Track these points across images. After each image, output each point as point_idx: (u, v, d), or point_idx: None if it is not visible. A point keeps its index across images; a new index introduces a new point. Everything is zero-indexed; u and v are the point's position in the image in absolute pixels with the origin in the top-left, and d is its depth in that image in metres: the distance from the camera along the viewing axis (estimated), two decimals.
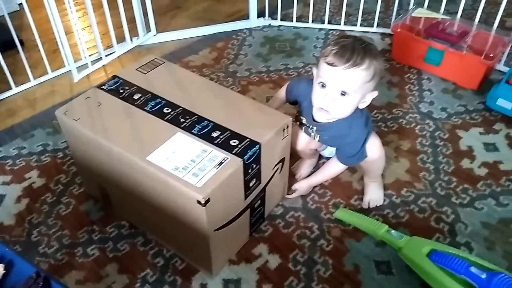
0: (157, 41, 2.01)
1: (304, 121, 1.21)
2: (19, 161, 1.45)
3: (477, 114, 1.59)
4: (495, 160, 1.42)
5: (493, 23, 1.73)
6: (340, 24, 2.04)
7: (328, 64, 1.02)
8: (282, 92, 1.30)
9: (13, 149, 1.49)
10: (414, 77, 1.76)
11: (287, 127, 1.14)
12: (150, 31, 2.00)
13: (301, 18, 2.09)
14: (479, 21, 1.76)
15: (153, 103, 1.16)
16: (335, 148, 1.23)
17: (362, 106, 1.11)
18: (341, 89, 1.04)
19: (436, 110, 1.61)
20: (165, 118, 1.12)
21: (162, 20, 2.11)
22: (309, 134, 1.23)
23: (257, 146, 1.05)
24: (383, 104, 1.64)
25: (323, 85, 1.06)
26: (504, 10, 1.68)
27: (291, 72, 1.81)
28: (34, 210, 1.30)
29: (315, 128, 1.19)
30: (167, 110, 1.14)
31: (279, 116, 1.14)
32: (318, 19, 2.08)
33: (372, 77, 1.04)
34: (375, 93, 1.10)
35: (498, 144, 1.48)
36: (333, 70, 1.02)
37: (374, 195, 1.30)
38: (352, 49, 1.01)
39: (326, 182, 1.35)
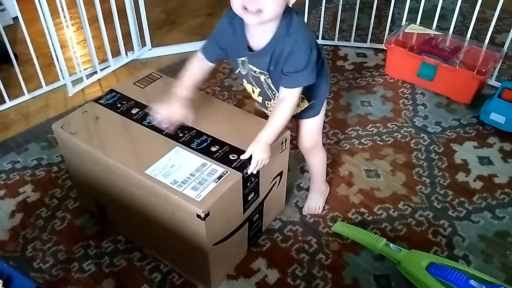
0: (152, 55, 2.01)
1: (243, 76, 1.08)
2: (13, 175, 1.43)
3: (471, 128, 1.61)
4: (490, 174, 1.44)
5: (484, 39, 1.77)
6: (334, 39, 2.06)
7: None
8: (196, 62, 1.10)
9: (7, 163, 1.47)
10: (408, 92, 1.79)
11: (285, 140, 1.14)
12: (145, 45, 2.00)
13: None
14: (470, 37, 1.80)
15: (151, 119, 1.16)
16: None
17: (291, 1, 0.95)
18: None
19: (431, 124, 1.63)
20: (164, 133, 1.11)
21: (157, 34, 2.12)
22: (254, 90, 1.11)
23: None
24: (377, 118, 1.65)
25: None
26: (494, 27, 1.71)
27: None
28: (29, 225, 1.28)
29: (256, 66, 1.03)
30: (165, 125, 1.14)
31: None
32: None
33: None
34: None
35: (492, 158, 1.49)
36: None
37: (312, 203, 1.31)
38: None
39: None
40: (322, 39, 2.07)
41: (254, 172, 1.03)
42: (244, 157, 1.03)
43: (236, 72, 1.10)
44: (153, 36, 2.03)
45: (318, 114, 1.17)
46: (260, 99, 1.14)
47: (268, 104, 1.14)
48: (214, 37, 1.07)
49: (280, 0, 0.90)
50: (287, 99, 1.01)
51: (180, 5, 2.43)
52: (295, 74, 0.98)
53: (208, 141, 1.09)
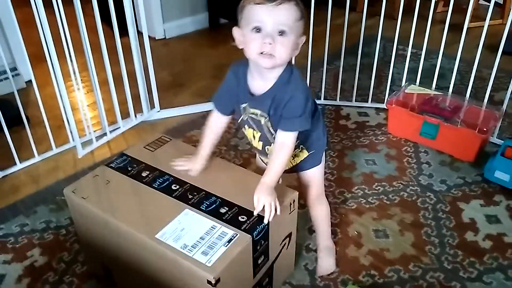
0: (160, 117, 2.07)
1: (245, 122, 1.15)
2: (21, 238, 1.43)
3: (476, 186, 1.62)
4: (499, 232, 1.43)
5: (483, 97, 1.82)
6: (336, 99, 2.12)
7: (258, 4, 0.96)
8: (212, 118, 1.20)
9: (16, 226, 1.47)
10: (411, 150, 1.81)
11: (294, 201, 1.15)
12: (154, 107, 2.06)
13: None
14: (469, 96, 1.85)
15: (161, 180, 1.18)
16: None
17: (295, 53, 1.04)
18: (279, 28, 0.97)
19: (436, 182, 1.64)
20: (173, 195, 1.13)
21: (165, 96, 2.18)
22: (254, 135, 1.17)
23: (264, 224, 1.05)
24: (383, 177, 1.67)
25: (258, 29, 0.97)
26: (491, 85, 1.77)
27: None
28: None
29: (257, 109, 1.09)
30: (175, 186, 1.15)
31: (285, 191, 1.15)
32: (314, 95, 2.17)
33: (302, 15, 1.00)
34: (304, 38, 1.05)
35: (500, 216, 1.49)
36: (266, 9, 0.96)
37: (324, 263, 1.31)
38: None
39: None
40: (324, 99, 2.13)
41: (271, 219, 1.05)
42: (257, 211, 1.06)
43: (239, 120, 1.16)
44: (162, 98, 2.10)
45: (320, 163, 1.23)
46: (260, 145, 1.19)
47: (267, 149, 1.18)
48: (222, 90, 1.16)
49: (290, 50, 1.01)
50: (285, 142, 1.08)
51: (187, 68, 2.52)
52: (293, 119, 1.06)
53: (217, 203, 1.10)
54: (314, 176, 1.25)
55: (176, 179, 1.17)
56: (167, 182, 1.17)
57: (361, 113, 2.06)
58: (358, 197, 1.58)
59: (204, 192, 1.13)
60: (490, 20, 1.68)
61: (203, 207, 1.09)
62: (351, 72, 2.12)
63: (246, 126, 1.17)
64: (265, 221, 1.05)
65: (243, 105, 1.12)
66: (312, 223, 1.34)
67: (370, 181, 1.65)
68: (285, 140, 1.08)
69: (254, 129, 1.16)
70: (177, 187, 1.15)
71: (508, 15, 1.65)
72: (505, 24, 1.65)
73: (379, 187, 1.62)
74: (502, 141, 1.69)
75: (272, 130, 1.12)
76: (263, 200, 1.04)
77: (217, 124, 1.20)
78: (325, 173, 1.68)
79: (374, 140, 1.88)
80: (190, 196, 1.12)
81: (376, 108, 2.08)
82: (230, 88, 1.13)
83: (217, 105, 1.18)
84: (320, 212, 1.29)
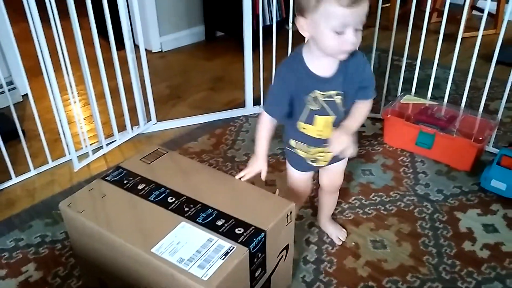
0: (157, 129, 2.07)
1: (314, 112, 1.12)
2: (16, 253, 1.41)
3: (473, 195, 1.62)
4: (496, 242, 1.43)
5: (478, 106, 1.83)
6: None
7: (343, 7, 0.94)
8: (265, 125, 1.18)
9: (10, 241, 1.46)
10: (407, 160, 1.82)
11: (291, 212, 1.15)
12: (150, 120, 2.06)
13: None
14: (464, 105, 1.86)
15: (157, 192, 1.17)
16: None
17: None
18: (358, 26, 0.99)
19: (432, 192, 1.64)
20: (170, 208, 1.12)
21: (162, 108, 2.19)
22: (326, 122, 1.14)
23: (263, 234, 1.05)
24: (380, 187, 1.67)
25: (339, 28, 0.97)
26: (486, 94, 1.78)
27: None
28: None
29: (332, 90, 1.09)
30: (171, 199, 1.15)
31: (282, 202, 1.15)
32: None
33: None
34: None
35: (497, 225, 1.49)
36: (351, 11, 0.95)
37: (336, 230, 1.46)
38: None
39: (330, 269, 1.34)
40: None
41: (337, 150, 1.08)
42: (335, 149, 1.08)
43: (304, 116, 1.14)
44: (158, 110, 2.10)
45: None
46: (328, 132, 1.14)
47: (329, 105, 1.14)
48: (275, 95, 1.14)
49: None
50: (367, 104, 1.16)
51: (184, 80, 2.53)
52: (370, 86, 1.15)
53: (214, 215, 1.10)
54: (344, 165, 1.33)
55: (172, 191, 1.17)
56: (164, 194, 1.16)
57: None
58: (355, 207, 1.58)
59: (200, 205, 1.13)
60: (483, 30, 1.70)
61: (199, 219, 1.09)
62: None
63: (316, 116, 1.13)
64: (350, 156, 1.11)
65: (312, 95, 1.09)
66: (321, 206, 1.46)
67: (367, 192, 1.65)
68: (366, 104, 1.16)
69: (328, 115, 1.13)
70: (173, 199, 1.15)
71: (501, 25, 1.67)
72: (498, 34, 1.67)
73: (376, 197, 1.62)
74: (498, 150, 1.69)
75: (343, 109, 1.14)
76: (343, 139, 1.08)
77: (270, 128, 1.19)
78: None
79: (370, 150, 1.88)
80: (186, 209, 1.12)
81: (372, 119, 2.08)
82: (288, 86, 1.10)
83: (271, 111, 1.15)
84: (336, 197, 1.43)
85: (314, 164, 1.25)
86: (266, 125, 1.18)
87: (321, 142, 1.18)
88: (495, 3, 2.91)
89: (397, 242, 1.43)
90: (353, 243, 1.43)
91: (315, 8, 0.97)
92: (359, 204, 1.59)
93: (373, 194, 1.64)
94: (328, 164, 1.26)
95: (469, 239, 1.44)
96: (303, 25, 1.02)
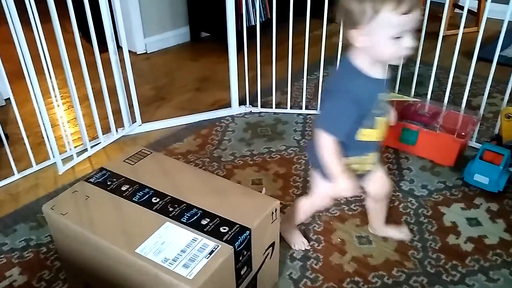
0: (142, 130, 2.06)
1: (375, 113, 1.11)
2: (0, 258, 1.40)
3: (457, 190, 1.64)
4: (480, 235, 1.45)
5: (460, 103, 1.86)
6: (316, 109, 2.14)
7: (403, 14, 0.96)
8: (334, 146, 1.11)
9: None
10: (392, 157, 1.83)
11: (276, 210, 1.15)
12: (135, 121, 2.05)
13: (280, 104, 2.19)
14: (447, 102, 1.88)
15: (141, 193, 1.17)
16: None
17: None
18: (413, 29, 1.01)
19: (417, 187, 1.66)
20: (154, 208, 1.12)
21: (147, 110, 2.18)
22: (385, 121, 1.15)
23: (248, 232, 1.05)
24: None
25: (398, 35, 0.99)
26: (469, 91, 1.80)
27: (274, 155, 1.86)
28: None
29: (388, 88, 1.14)
30: (155, 199, 1.15)
31: (267, 200, 1.16)
32: (296, 105, 2.19)
33: None
34: None
35: (480, 219, 1.51)
36: (410, 17, 0.97)
37: (399, 230, 1.45)
38: None
39: (317, 265, 1.34)
40: (306, 109, 2.15)
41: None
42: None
43: (367, 123, 1.11)
44: (143, 112, 2.09)
45: None
46: (383, 133, 1.17)
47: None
48: (347, 116, 1.09)
49: None
50: None
51: (169, 81, 2.52)
52: None
53: (198, 214, 1.10)
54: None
55: (156, 192, 1.17)
56: (147, 195, 1.16)
57: None
58: (341, 204, 1.58)
59: (185, 204, 1.13)
60: (465, 27, 1.73)
61: (184, 219, 1.09)
62: None
63: (378, 118, 1.13)
64: None
65: (378, 100, 1.11)
66: (374, 214, 1.43)
67: None
68: None
69: (385, 115, 1.15)
70: (158, 200, 1.14)
71: (482, 23, 1.69)
72: (479, 31, 1.69)
73: (361, 194, 1.63)
74: (480, 145, 1.72)
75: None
76: None
77: (337, 148, 1.11)
78: (308, 181, 1.70)
79: None
80: (170, 209, 1.12)
81: None
82: (358, 104, 1.07)
83: (339, 134, 1.10)
84: (386, 203, 1.40)
85: (361, 173, 1.23)
86: (334, 148, 1.11)
87: (375, 145, 1.19)
88: (476, 1, 2.95)
89: (383, 237, 1.44)
90: (339, 240, 1.44)
91: (371, 18, 0.98)
92: (345, 201, 1.60)
93: (359, 190, 1.64)
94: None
95: (453, 233, 1.46)
96: (357, 37, 1.03)
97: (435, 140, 1.75)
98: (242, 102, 2.18)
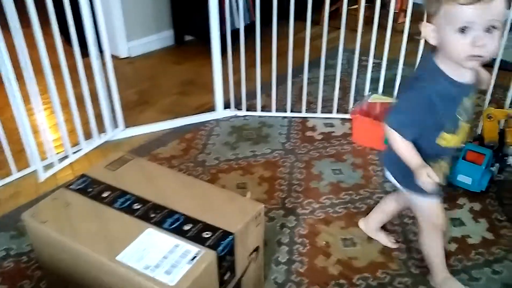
0: (125, 135, 2.04)
1: (456, 119, 1.04)
2: None
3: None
4: (463, 235, 1.46)
5: None
6: (301, 111, 2.14)
7: (468, 2, 0.89)
8: (406, 143, 1.04)
9: None
10: (376, 158, 1.84)
11: (260, 214, 1.15)
12: (118, 126, 2.03)
13: (265, 107, 2.19)
14: None
15: (122, 199, 1.15)
16: None
17: None
18: (490, 24, 0.90)
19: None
20: (135, 214, 1.10)
21: (130, 115, 2.15)
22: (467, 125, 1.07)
23: (231, 236, 1.04)
24: (349, 186, 1.69)
25: (464, 30, 0.91)
26: None
27: (259, 158, 1.85)
28: None
29: (473, 94, 1.04)
30: (137, 206, 1.13)
31: (251, 204, 1.15)
32: (281, 108, 2.18)
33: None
34: None
35: (463, 219, 1.52)
36: (478, 7, 0.88)
37: (388, 237, 1.43)
38: None
39: (302, 269, 1.34)
40: (291, 111, 2.15)
41: None
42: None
43: (449, 128, 1.06)
44: (126, 116, 2.07)
45: None
46: (463, 139, 1.11)
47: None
48: (417, 116, 1.02)
49: (498, 43, 0.94)
50: None
51: (153, 85, 2.50)
52: None
53: (181, 220, 1.09)
54: None
55: (138, 198, 1.15)
56: (129, 201, 1.15)
57: (327, 124, 2.09)
58: (326, 206, 1.59)
59: (167, 210, 1.12)
60: None
61: (166, 225, 1.07)
62: (316, 84, 2.15)
63: (462, 124, 1.07)
64: None
65: (462, 105, 1.03)
66: (384, 214, 1.39)
67: (337, 191, 1.66)
68: None
69: (468, 120, 1.08)
70: (139, 206, 1.13)
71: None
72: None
73: (346, 196, 1.64)
74: (463, 145, 1.73)
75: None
76: None
77: (410, 143, 1.05)
78: (294, 184, 1.70)
79: (340, 150, 1.90)
80: (152, 215, 1.10)
81: (342, 119, 2.10)
82: (432, 109, 1.00)
83: (405, 133, 1.03)
84: None
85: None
86: (407, 143, 1.04)
87: (452, 152, 1.14)
88: None
89: (368, 239, 1.44)
90: (324, 242, 1.44)
91: (437, 11, 0.93)
92: (330, 203, 1.60)
93: (344, 193, 1.65)
94: None
95: None
96: (430, 32, 0.97)
97: None
98: (227, 105, 2.17)
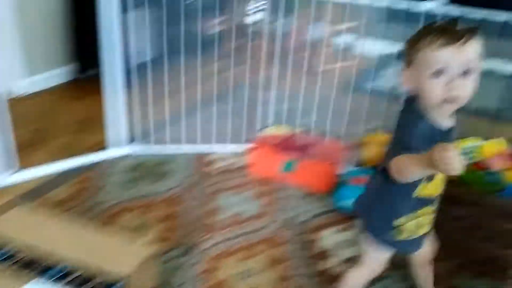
0: (17, 178, 1.90)
1: None
2: None
3: (331, 214, 1.76)
4: (355, 255, 1.55)
5: (340, 131, 2.06)
6: (210, 143, 2.16)
7: (442, 46, 0.91)
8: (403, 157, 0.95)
9: None
10: (273, 188, 1.91)
11: (153, 256, 1.14)
12: (9, 169, 1.89)
13: (172, 140, 2.16)
14: (328, 132, 2.07)
15: (2, 251, 1.09)
16: None
17: None
18: (464, 68, 0.92)
19: (296, 216, 1.75)
20: (16, 266, 1.05)
21: (24, 155, 1.99)
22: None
23: (121, 282, 1.03)
24: (249, 217, 1.74)
25: (439, 73, 0.92)
26: (347, 120, 2.01)
27: (158, 196, 1.83)
28: None
29: (453, 137, 1.03)
30: (19, 256, 1.08)
31: (142, 247, 1.15)
32: (190, 141, 2.16)
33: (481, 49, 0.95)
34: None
35: (353, 239, 1.63)
36: (453, 50, 0.90)
37: None
38: (454, 25, 0.92)
39: None
40: (191, 143, 2.16)
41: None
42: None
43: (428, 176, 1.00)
44: (20, 157, 1.93)
45: None
46: (441, 186, 1.08)
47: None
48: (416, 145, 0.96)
49: (473, 88, 0.94)
50: None
51: (50, 123, 2.37)
52: None
53: (66, 269, 1.06)
54: None
55: (20, 248, 1.09)
56: (9, 252, 1.09)
57: (229, 156, 2.12)
58: (225, 240, 1.61)
59: (51, 260, 1.07)
60: (342, 62, 1.94)
61: (49, 276, 1.03)
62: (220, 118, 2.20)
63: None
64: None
65: None
66: (423, 280, 1.33)
67: (237, 222, 1.70)
68: None
69: None
70: (21, 256, 1.07)
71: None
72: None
73: (247, 227, 1.68)
74: (350, 170, 1.87)
75: None
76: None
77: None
78: (193, 220, 1.70)
79: (239, 182, 1.95)
80: (35, 265, 1.06)
81: (240, 151, 2.14)
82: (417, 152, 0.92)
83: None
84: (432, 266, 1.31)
85: (418, 236, 1.12)
86: (400, 159, 0.95)
87: (433, 200, 1.10)
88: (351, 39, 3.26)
89: (267, 268, 1.49)
90: (222, 277, 1.45)
91: (414, 55, 0.95)
92: (229, 236, 1.62)
93: (244, 224, 1.69)
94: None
95: (321, 258, 1.55)
96: (405, 77, 0.99)
97: (312, 169, 1.87)
98: (131, 140, 2.14)
